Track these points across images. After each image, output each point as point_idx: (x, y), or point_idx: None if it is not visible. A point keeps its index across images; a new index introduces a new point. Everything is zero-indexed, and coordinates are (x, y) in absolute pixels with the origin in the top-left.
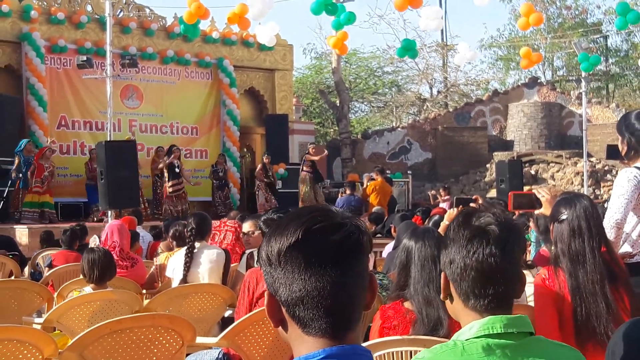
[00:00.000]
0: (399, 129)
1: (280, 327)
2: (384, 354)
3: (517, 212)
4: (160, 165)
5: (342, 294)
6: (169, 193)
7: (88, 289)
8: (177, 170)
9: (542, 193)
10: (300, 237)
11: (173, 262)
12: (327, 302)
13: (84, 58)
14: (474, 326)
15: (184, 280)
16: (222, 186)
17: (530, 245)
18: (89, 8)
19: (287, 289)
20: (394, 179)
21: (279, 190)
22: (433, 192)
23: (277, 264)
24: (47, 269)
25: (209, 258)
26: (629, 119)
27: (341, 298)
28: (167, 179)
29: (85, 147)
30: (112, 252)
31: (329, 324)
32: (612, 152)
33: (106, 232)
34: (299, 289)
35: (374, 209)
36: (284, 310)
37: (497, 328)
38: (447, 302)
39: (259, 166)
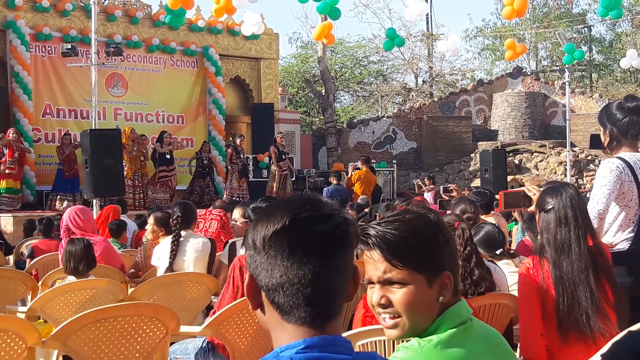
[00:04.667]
0: (384, 118)
1: (258, 310)
2: (367, 343)
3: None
4: (162, 150)
5: (322, 284)
6: (157, 179)
7: (72, 277)
8: (167, 156)
9: (532, 191)
10: (286, 223)
11: (158, 250)
12: (307, 290)
13: (69, 46)
14: (445, 319)
15: (170, 268)
16: (205, 174)
17: (513, 234)
18: None
19: (268, 274)
20: (379, 168)
21: (265, 179)
22: (418, 181)
23: (261, 248)
24: (28, 260)
25: (194, 247)
26: (610, 109)
27: (321, 288)
28: (157, 164)
29: (71, 136)
30: (63, 238)
31: (308, 313)
32: (596, 141)
33: (62, 219)
34: (280, 275)
35: (359, 199)
36: (263, 295)
37: (465, 315)
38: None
39: (230, 150)
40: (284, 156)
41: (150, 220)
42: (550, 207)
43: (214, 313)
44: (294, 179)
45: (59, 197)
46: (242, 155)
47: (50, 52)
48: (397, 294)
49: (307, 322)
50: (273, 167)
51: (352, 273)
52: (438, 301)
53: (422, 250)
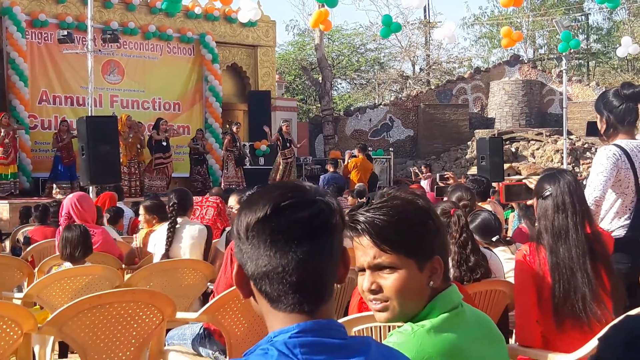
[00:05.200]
0: (381, 106)
1: (251, 298)
2: (363, 329)
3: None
4: (158, 137)
5: (307, 270)
6: (154, 166)
7: (68, 264)
8: (164, 143)
9: (534, 183)
10: (268, 212)
11: (155, 237)
12: (292, 278)
13: (65, 33)
14: (437, 304)
15: (166, 255)
16: (202, 162)
17: (509, 221)
18: None
19: (254, 263)
20: (375, 156)
21: (256, 167)
22: (415, 169)
23: (245, 238)
24: (24, 246)
25: (190, 234)
26: (606, 97)
27: (307, 274)
28: (153, 151)
29: (68, 122)
30: (62, 225)
31: (296, 300)
32: (592, 128)
33: (63, 206)
34: (264, 264)
35: (355, 186)
36: (252, 283)
37: (456, 301)
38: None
39: (227, 137)
40: (288, 144)
41: (141, 210)
42: (547, 193)
43: (214, 297)
44: None
45: (56, 184)
46: (238, 143)
47: (46, 38)
48: (388, 280)
49: (296, 308)
50: (278, 157)
51: (340, 256)
52: (429, 286)
53: (411, 236)
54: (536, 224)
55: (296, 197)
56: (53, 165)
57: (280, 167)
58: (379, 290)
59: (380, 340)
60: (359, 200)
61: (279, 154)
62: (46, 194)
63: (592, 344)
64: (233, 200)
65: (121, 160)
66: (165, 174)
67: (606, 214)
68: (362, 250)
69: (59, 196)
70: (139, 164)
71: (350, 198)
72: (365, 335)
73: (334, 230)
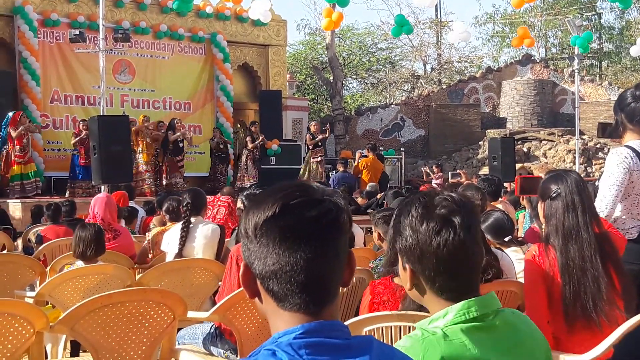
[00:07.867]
0: (392, 105)
1: (256, 299)
2: (373, 329)
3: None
4: (173, 138)
5: (315, 270)
6: (178, 166)
7: (80, 263)
8: (181, 144)
9: None
10: (277, 211)
11: (168, 236)
12: (300, 277)
13: (77, 32)
14: (449, 312)
15: (179, 254)
16: (224, 159)
17: (519, 222)
18: None
19: (262, 262)
20: (387, 156)
21: (273, 167)
22: (426, 169)
23: (253, 237)
24: (36, 245)
25: (204, 233)
26: (621, 96)
27: (315, 274)
28: (169, 153)
29: (78, 122)
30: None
31: (303, 300)
32: (604, 130)
33: (92, 205)
34: (273, 263)
35: (367, 186)
36: (259, 283)
37: (473, 312)
38: (413, 291)
39: (249, 138)
40: (320, 143)
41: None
42: (556, 194)
43: (219, 299)
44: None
45: (77, 184)
46: (256, 142)
47: (58, 38)
48: None
49: (302, 308)
50: (308, 157)
51: (346, 258)
52: None
53: None
54: (543, 226)
55: (304, 196)
56: (74, 165)
57: (311, 166)
58: None
59: (392, 341)
60: (369, 201)
61: (309, 153)
62: (69, 194)
63: (604, 344)
64: (239, 201)
65: (143, 158)
66: (182, 172)
67: (619, 215)
68: None
69: (79, 196)
70: (158, 162)
71: (360, 198)
72: (376, 335)
73: (341, 230)
